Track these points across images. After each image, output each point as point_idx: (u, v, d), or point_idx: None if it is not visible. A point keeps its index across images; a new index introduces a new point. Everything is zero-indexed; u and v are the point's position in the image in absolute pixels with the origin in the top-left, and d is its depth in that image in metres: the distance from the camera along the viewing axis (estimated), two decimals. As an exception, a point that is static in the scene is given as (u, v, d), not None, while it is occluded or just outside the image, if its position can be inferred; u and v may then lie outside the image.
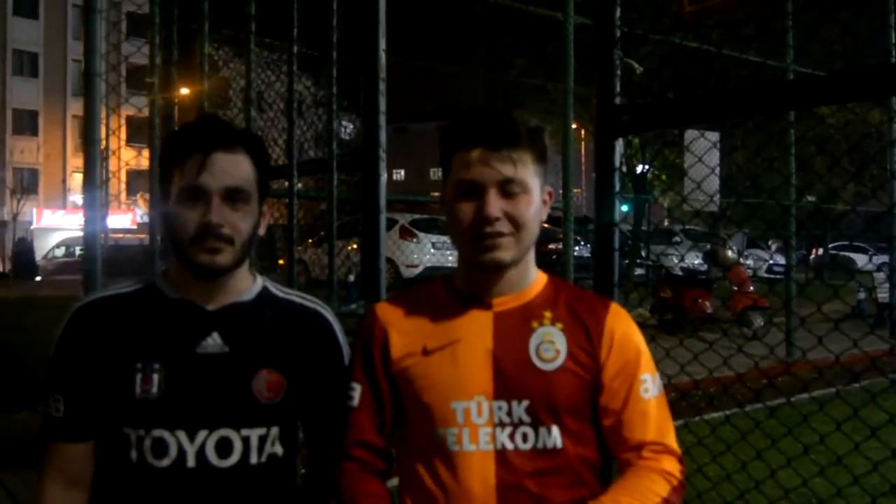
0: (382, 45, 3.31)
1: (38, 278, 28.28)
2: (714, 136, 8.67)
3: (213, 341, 1.59)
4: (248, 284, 1.68)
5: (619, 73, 2.79)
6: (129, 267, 9.73)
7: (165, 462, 1.54)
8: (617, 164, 2.82)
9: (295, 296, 1.75)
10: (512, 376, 1.54)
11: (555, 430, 1.53)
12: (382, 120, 3.27)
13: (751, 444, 3.23)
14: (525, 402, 1.52)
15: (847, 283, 13.93)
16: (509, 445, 1.51)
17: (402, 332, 1.61)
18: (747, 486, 3.24)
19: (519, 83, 15.84)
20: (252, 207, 1.59)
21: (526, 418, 1.52)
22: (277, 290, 1.73)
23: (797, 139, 9.21)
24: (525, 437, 1.52)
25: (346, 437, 1.62)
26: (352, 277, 13.25)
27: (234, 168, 1.56)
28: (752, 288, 12.43)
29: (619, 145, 2.87)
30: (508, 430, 1.52)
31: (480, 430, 1.52)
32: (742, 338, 10.56)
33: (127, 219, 37.51)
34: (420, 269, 15.32)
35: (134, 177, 25.28)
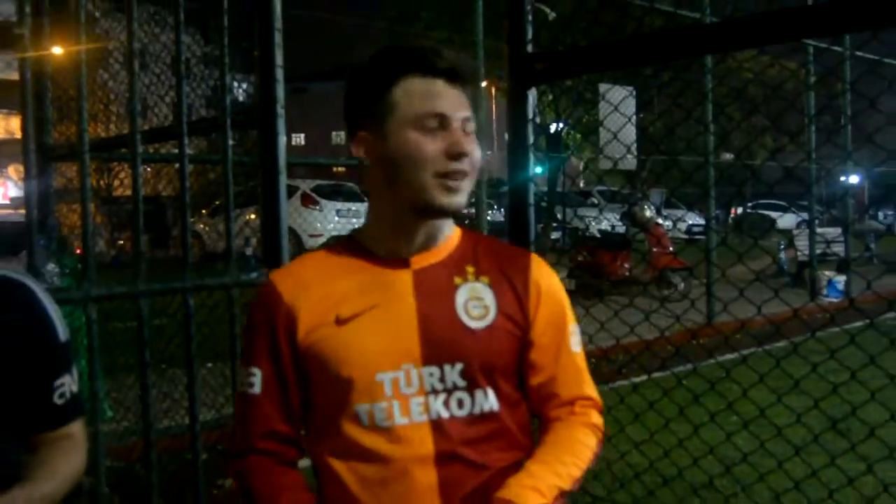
0: (278, -9, 3.05)
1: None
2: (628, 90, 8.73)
3: None
4: None
5: (530, 19, 2.64)
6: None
7: None
8: (530, 115, 2.69)
9: None
10: (441, 339, 1.40)
11: (490, 392, 1.42)
12: (280, 73, 3.01)
13: (674, 402, 3.17)
14: (459, 366, 1.39)
15: (763, 242, 14.25)
16: (444, 414, 1.38)
17: (308, 301, 1.42)
18: (671, 444, 3.20)
19: (425, 38, 15.61)
20: None
21: (461, 382, 1.40)
22: None
23: (713, 91, 9.30)
24: (461, 404, 1.39)
25: (250, 429, 1.43)
26: (248, 251, 12.40)
27: None
28: (671, 248, 12.49)
29: (533, 95, 2.73)
30: (442, 396, 1.39)
31: (412, 399, 1.38)
32: (658, 300, 10.68)
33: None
34: (324, 238, 14.50)
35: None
